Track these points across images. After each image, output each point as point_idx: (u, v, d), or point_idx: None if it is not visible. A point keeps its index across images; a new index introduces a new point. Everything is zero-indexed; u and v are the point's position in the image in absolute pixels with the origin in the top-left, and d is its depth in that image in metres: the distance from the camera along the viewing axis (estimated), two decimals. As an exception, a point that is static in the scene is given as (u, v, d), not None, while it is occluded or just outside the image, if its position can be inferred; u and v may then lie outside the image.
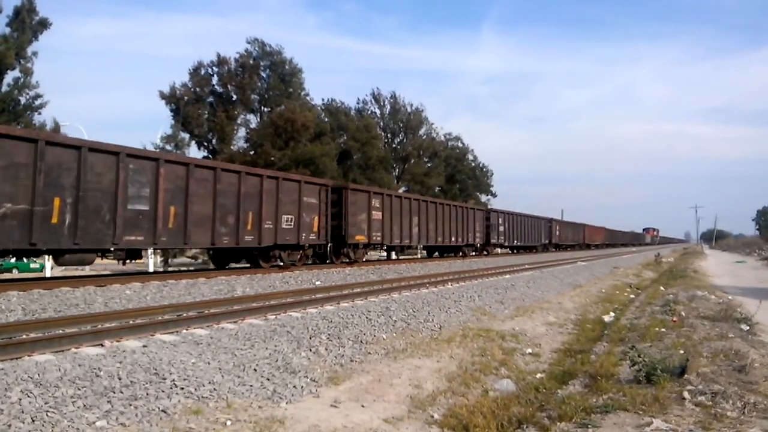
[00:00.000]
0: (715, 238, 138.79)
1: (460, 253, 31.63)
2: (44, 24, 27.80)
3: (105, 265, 31.96)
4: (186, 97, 37.31)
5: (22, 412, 4.95)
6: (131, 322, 8.54)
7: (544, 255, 42.00)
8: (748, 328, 10.96)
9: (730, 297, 17.50)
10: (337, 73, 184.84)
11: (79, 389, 5.54)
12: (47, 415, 4.97)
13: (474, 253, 33.90)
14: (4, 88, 26.58)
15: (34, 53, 27.46)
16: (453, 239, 29.62)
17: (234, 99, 39.00)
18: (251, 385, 6.49)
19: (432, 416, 6.56)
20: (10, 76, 26.68)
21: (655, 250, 68.13)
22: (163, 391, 5.84)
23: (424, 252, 34.62)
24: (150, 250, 22.13)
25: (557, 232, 51.27)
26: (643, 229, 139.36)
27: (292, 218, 17.46)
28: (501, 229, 36.64)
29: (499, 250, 39.49)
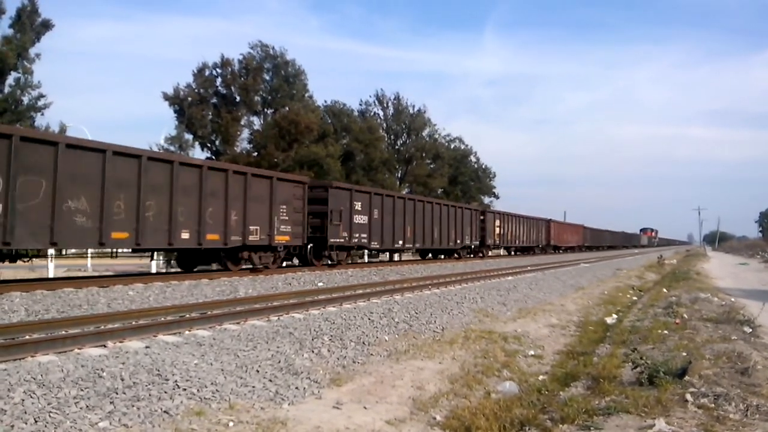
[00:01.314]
0: (717, 240, 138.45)
1: (244, 263, 16.49)
2: (47, 25, 27.87)
3: (108, 265, 32.01)
4: (190, 99, 37.39)
5: (25, 412, 4.97)
6: (134, 323, 8.56)
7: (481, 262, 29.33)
8: (750, 330, 10.92)
9: (732, 299, 17.45)
10: (339, 75, 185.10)
11: (82, 390, 5.55)
12: (50, 415, 4.98)
13: (273, 265, 17.33)
14: (7, 88, 26.68)
15: (37, 54, 27.55)
16: (185, 236, 14.09)
17: (237, 100, 39.07)
18: (254, 387, 6.50)
19: (434, 418, 6.56)
20: (12, 77, 26.79)
21: (655, 253, 67.01)
22: (165, 392, 5.85)
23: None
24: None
25: (497, 230, 35.48)
26: (640, 230, 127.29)
27: None
28: (360, 221, 20.90)
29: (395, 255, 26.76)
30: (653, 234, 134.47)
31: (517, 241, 40.19)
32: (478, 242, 32.66)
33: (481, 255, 33.98)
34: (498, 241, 36.16)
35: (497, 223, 35.92)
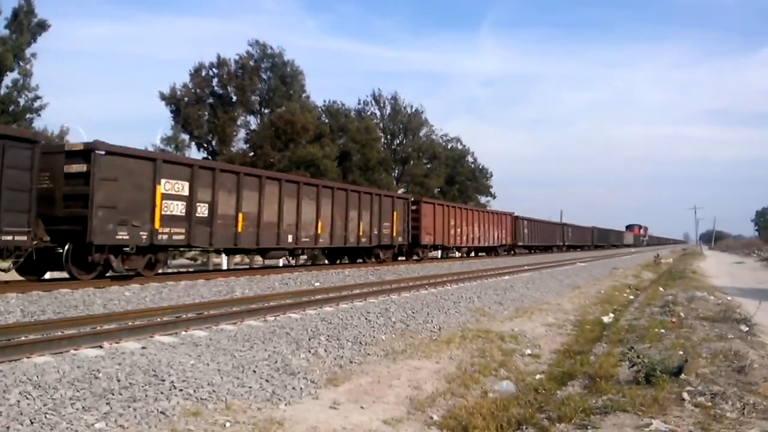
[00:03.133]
0: (714, 238, 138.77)
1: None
2: (43, 26, 27.79)
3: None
4: (186, 98, 37.32)
5: (21, 414, 4.95)
6: (130, 323, 8.52)
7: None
8: (747, 328, 10.96)
9: (729, 298, 17.52)
10: (337, 75, 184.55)
11: (78, 391, 5.53)
12: (46, 417, 4.96)
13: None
14: (3, 90, 26.57)
15: (33, 55, 27.45)
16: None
17: (234, 100, 39.01)
18: (250, 387, 6.48)
19: (431, 417, 6.55)
20: (9, 78, 26.69)
21: (650, 253, 65.21)
22: (162, 393, 5.83)
23: None
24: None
25: (219, 207, 14.24)
26: (626, 227, 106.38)
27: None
28: None
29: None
30: (642, 231, 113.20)
31: (312, 240, 18.33)
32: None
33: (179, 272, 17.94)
34: (287, 244, 17.20)
35: (246, 193, 15.40)
